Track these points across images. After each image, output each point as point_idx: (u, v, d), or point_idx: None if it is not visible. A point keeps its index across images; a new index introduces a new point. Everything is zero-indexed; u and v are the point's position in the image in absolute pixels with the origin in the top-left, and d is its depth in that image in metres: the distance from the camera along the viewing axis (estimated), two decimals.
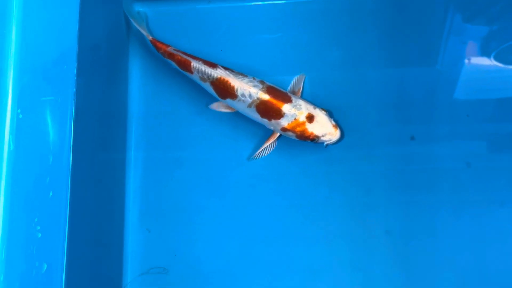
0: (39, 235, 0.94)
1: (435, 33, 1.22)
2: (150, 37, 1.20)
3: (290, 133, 1.11)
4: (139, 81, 1.28)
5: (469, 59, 1.19)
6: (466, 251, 1.13)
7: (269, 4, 1.30)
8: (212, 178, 1.21)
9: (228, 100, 1.14)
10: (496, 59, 1.18)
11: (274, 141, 1.16)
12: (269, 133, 1.16)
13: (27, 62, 0.99)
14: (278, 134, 1.14)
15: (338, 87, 1.22)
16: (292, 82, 1.19)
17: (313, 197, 1.18)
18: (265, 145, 1.16)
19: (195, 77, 1.16)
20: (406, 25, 1.23)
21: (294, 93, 1.17)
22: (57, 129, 0.98)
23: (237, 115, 1.18)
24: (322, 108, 1.11)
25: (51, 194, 0.96)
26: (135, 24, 1.22)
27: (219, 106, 1.18)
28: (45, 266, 0.93)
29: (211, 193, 1.21)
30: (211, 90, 1.15)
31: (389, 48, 1.23)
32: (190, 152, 1.23)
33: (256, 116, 1.12)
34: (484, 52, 1.20)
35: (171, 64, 1.19)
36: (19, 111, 0.97)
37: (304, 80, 1.20)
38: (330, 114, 1.13)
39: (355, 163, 1.18)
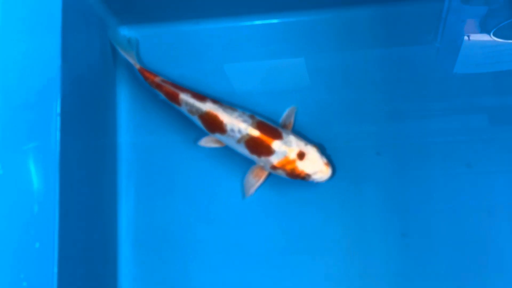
0: None
1: (434, 13, 1.19)
2: (138, 66, 1.16)
3: (280, 171, 1.07)
4: (127, 112, 1.25)
5: (468, 37, 1.17)
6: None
7: (258, 25, 1.25)
8: (205, 209, 1.19)
9: (217, 135, 1.10)
10: (496, 35, 1.16)
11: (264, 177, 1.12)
12: None
13: (5, 108, 0.95)
14: (267, 172, 1.11)
15: (334, 101, 1.19)
16: (284, 115, 1.15)
17: (309, 226, 1.15)
18: (255, 181, 1.12)
19: (183, 109, 1.12)
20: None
21: (285, 126, 1.13)
22: (42, 176, 0.94)
23: (228, 147, 1.14)
24: (314, 144, 1.07)
25: (37, 245, 0.92)
26: (122, 52, 1.18)
27: (208, 142, 1.14)
28: None
29: (204, 225, 1.18)
30: (199, 123, 1.12)
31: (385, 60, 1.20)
32: (182, 183, 1.20)
33: (245, 152, 1.08)
34: (484, 29, 1.17)
35: (159, 94, 1.15)
36: None
37: (296, 112, 1.16)
38: (322, 150, 1.09)
39: (348, 183, 1.14)
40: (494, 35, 1.16)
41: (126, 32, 1.27)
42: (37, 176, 0.94)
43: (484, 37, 1.17)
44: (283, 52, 1.23)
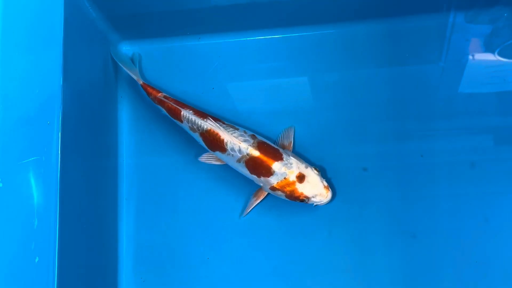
0: None
1: (438, 32, 1.20)
2: (141, 81, 1.17)
3: (279, 193, 1.07)
4: (129, 128, 1.26)
5: (472, 56, 1.17)
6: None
7: (261, 39, 1.26)
8: (206, 227, 1.19)
9: (217, 153, 1.11)
10: (501, 55, 1.17)
11: (263, 197, 1.13)
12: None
13: (6, 121, 0.94)
14: (266, 193, 1.11)
15: (336, 120, 1.19)
16: (281, 135, 1.15)
17: (312, 246, 1.15)
18: (253, 201, 1.13)
19: (185, 126, 1.13)
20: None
21: (284, 147, 1.14)
22: (42, 190, 0.95)
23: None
24: (315, 167, 1.07)
25: (37, 259, 0.93)
26: (125, 68, 1.19)
27: (208, 158, 1.14)
28: None
29: (205, 242, 1.18)
30: (200, 140, 1.12)
31: (388, 72, 1.21)
32: (183, 199, 1.21)
33: (245, 171, 1.08)
34: (488, 48, 1.18)
35: (161, 110, 1.16)
36: None
37: (294, 132, 1.16)
38: (323, 173, 1.10)
39: (350, 204, 1.15)
40: (499, 54, 1.16)
41: (128, 47, 1.28)
42: (37, 190, 0.95)
43: (489, 57, 1.17)
44: (286, 67, 1.24)
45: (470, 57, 1.18)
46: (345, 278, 1.13)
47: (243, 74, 1.25)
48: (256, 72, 1.25)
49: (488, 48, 1.18)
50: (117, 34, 1.25)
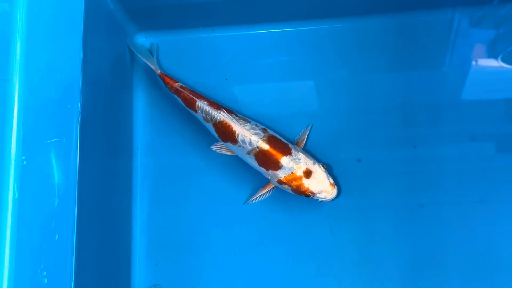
0: (45, 280, 0.96)
1: (442, 38, 1.22)
2: (159, 71, 1.21)
3: (285, 186, 1.11)
4: (144, 115, 1.30)
5: (475, 61, 1.19)
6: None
7: (274, 32, 1.29)
8: (216, 214, 1.24)
9: (229, 144, 1.15)
10: (504, 60, 1.18)
11: (270, 190, 1.17)
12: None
13: (30, 104, 0.98)
14: (273, 185, 1.16)
15: (342, 123, 1.23)
16: (300, 134, 1.20)
17: (317, 230, 1.21)
18: (260, 193, 1.17)
19: (199, 116, 1.17)
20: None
21: (297, 143, 1.18)
22: (62, 170, 0.99)
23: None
24: (322, 164, 1.11)
25: (57, 237, 0.97)
26: (143, 58, 1.23)
27: (220, 148, 1.18)
28: None
29: (218, 227, 1.24)
30: (213, 131, 1.16)
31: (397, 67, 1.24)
32: (195, 187, 1.25)
33: (254, 163, 1.12)
34: (491, 54, 1.20)
35: (177, 99, 1.20)
36: (23, 157, 0.95)
37: (310, 130, 1.21)
38: (330, 171, 1.13)
39: (356, 207, 1.20)
40: (502, 60, 1.18)
41: (144, 38, 1.32)
42: (58, 170, 0.99)
43: (492, 63, 1.18)
44: (298, 60, 1.27)
45: (473, 62, 1.20)
46: (351, 268, 1.18)
47: (256, 66, 1.28)
48: (268, 64, 1.28)
49: (491, 54, 1.20)
50: (134, 26, 1.29)
